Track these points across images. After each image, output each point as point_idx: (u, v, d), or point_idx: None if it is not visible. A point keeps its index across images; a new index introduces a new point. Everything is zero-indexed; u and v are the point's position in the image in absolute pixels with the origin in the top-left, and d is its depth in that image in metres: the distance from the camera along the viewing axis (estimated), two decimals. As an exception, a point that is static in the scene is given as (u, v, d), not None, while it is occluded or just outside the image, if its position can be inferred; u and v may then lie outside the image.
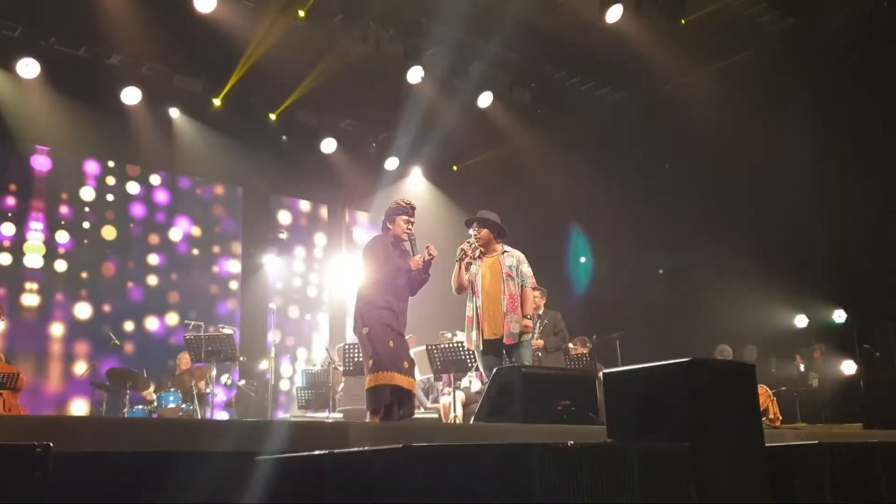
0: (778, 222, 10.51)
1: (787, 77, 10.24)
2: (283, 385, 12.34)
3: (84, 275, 11.25)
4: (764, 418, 8.68)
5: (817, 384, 10.43)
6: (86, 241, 11.33)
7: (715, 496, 2.53)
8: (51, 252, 10.99)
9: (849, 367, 10.18)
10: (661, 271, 11.81)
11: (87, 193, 11.52)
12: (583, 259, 12.44)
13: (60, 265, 11.06)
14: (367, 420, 5.84)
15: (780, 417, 9.39)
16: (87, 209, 11.46)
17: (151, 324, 11.71)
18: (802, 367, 10.80)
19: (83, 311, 11.16)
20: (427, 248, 5.97)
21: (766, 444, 2.96)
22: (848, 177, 9.91)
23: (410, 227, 6.07)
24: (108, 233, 11.60)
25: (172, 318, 11.88)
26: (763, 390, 9.09)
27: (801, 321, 11.04)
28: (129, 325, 11.46)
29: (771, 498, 2.79)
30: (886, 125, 9.62)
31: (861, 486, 3.02)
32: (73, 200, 11.35)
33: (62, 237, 11.14)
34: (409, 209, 6.10)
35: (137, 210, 11.98)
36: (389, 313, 5.82)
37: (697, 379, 2.68)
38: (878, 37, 9.55)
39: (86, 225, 11.41)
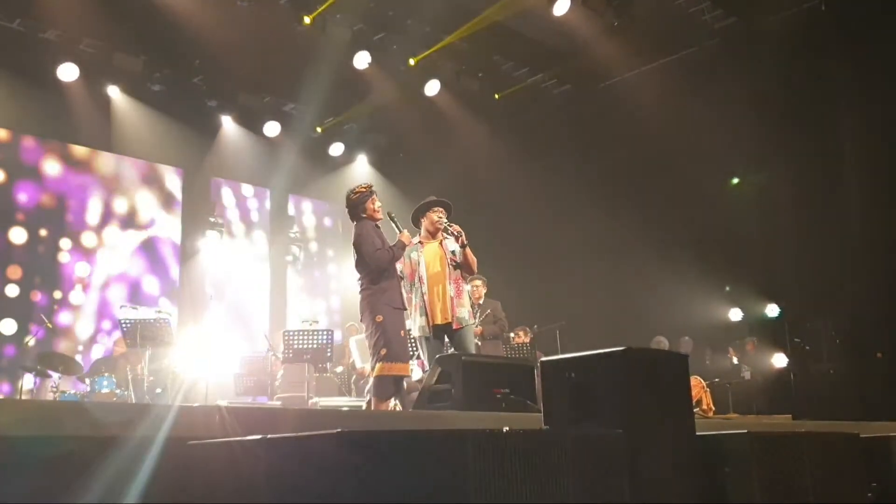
0: (715, 218, 10.74)
1: (729, 74, 10.44)
2: (221, 371, 12.16)
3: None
4: (697, 408, 8.86)
5: (749, 376, 10.69)
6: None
7: (647, 481, 2.58)
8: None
9: (780, 361, 10.47)
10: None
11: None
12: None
13: None
14: (372, 407, 5.90)
15: (713, 408, 9.59)
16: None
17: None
18: (735, 360, 11.06)
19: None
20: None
21: (698, 433, 3.03)
22: (784, 174, 10.19)
23: (379, 205, 6.16)
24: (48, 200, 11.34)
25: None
26: (696, 381, 9.26)
27: (735, 315, 11.29)
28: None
29: (701, 483, 2.85)
30: (822, 124, 9.90)
31: (787, 473, 3.11)
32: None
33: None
34: (367, 191, 6.17)
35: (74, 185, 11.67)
36: (398, 297, 5.98)
37: (631, 368, 2.72)
38: (816, 37, 9.81)
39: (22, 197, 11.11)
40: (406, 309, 6.09)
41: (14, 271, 10.79)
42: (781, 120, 10.08)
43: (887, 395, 8.56)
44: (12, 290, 10.71)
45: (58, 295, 11.21)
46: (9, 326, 10.57)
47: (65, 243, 11.38)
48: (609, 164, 11.72)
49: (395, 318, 5.87)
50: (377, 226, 6.17)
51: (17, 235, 10.93)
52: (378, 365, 5.79)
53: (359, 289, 6.05)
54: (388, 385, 5.78)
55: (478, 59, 11.58)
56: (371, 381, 5.99)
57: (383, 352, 5.77)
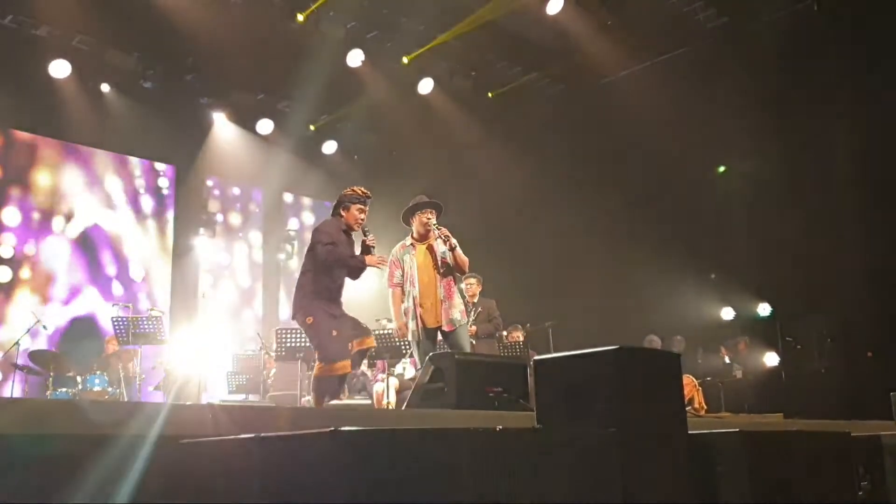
0: (708, 218, 10.76)
1: (722, 74, 10.45)
2: (214, 369, 12.14)
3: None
4: (689, 407, 8.87)
5: (741, 375, 10.71)
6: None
7: (639, 480, 2.58)
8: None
9: (771, 359, 10.50)
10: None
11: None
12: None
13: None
14: (311, 405, 5.85)
15: (705, 407, 9.61)
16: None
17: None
18: (727, 359, 11.08)
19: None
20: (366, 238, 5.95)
21: (690, 432, 3.03)
22: (777, 174, 10.22)
23: (363, 217, 5.96)
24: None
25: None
26: (689, 380, 9.27)
27: (727, 314, 11.33)
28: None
29: (693, 482, 2.86)
30: (814, 124, 9.93)
31: (779, 471, 3.12)
32: None
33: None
34: (364, 198, 5.96)
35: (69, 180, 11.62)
36: (328, 301, 5.77)
37: (624, 367, 2.72)
38: (809, 37, 9.83)
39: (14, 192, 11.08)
40: (338, 316, 5.79)
41: (8, 238, 10.88)
42: (773, 120, 10.10)
43: (878, 395, 8.57)
44: (6, 252, 10.83)
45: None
46: (5, 274, 10.69)
47: (54, 242, 11.35)
48: (602, 163, 11.73)
49: (326, 321, 5.68)
50: (348, 232, 5.96)
51: (11, 216, 10.98)
52: (316, 364, 5.70)
53: (298, 278, 5.90)
54: (326, 385, 5.65)
55: (471, 57, 11.57)
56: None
57: (318, 354, 5.70)
